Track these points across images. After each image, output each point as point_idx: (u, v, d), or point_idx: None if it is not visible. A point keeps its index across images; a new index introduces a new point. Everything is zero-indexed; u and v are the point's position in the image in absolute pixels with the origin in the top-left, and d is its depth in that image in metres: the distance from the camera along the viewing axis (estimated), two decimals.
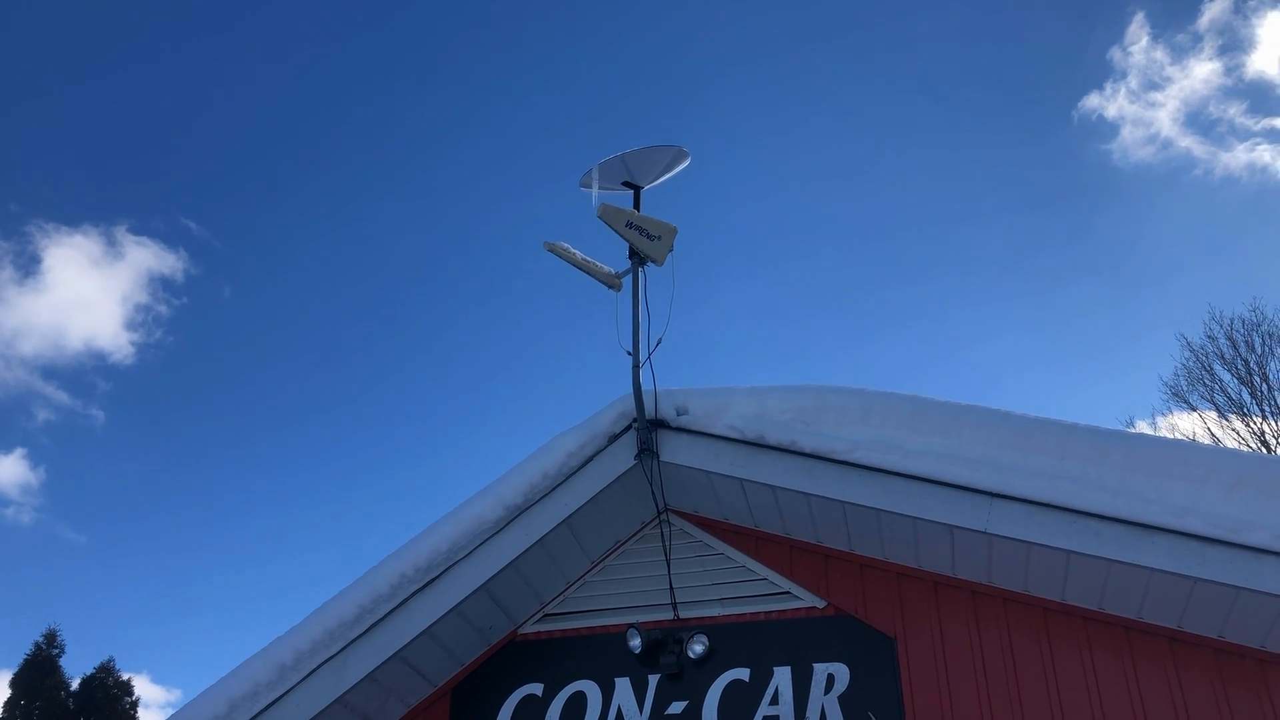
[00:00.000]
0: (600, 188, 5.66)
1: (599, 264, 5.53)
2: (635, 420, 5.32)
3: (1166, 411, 27.38)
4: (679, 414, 5.35)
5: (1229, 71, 37.22)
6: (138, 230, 44.83)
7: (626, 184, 5.75)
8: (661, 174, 5.79)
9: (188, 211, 42.05)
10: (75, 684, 31.93)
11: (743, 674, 5.09)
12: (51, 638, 32.08)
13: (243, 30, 37.19)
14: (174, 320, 43.26)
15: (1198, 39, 37.35)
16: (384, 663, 5.05)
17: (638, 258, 5.49)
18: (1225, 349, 25.65)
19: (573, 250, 5.50)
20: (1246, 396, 25.13)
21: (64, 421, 43.43)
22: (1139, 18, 37.20)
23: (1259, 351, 25.23)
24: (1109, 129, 38.36)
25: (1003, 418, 4.92)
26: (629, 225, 5.45)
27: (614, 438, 5.37)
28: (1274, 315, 25.50)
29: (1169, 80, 37.88)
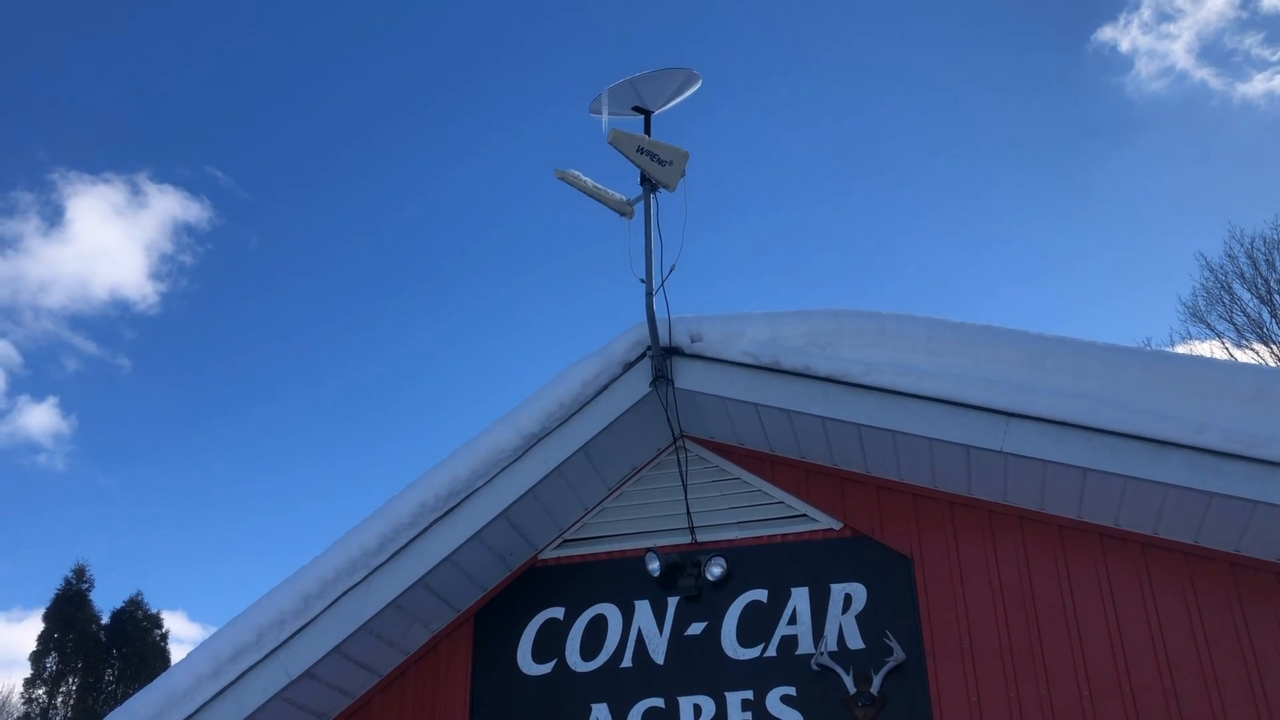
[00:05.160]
0: (610, 113, 5.58)
1: (610, 191, 5.48)
2: (649, 348, 5.32)
3: (1185, 335, 27.19)
4: (693, 341, 5.34)
5: (1245, 3, 36.38)
6: (160, 178, 44.86)
7: (637, 109, 5.67)
8: (672, 98, 5.69)
9: (214, 160, 42.01)
10: (106, 618, 32.58)
11: (761, 595, 5.16)
12: (80, 573, 32.70)
13: None
14: (198, 269, 43.48)
15: None
16: (407, 589, 5.13)
17: (649, 184, 5.43)
18: (1245, 268, 25.39)
19: (583, 178, 5.45)
20: (1266, 316, 24.93)
21: (92, 370, 43.99)
22: None
23: None
24: (1123, 62, 37.76)
25: (1019, 337, 4.90)
26: (640, 151, 5.38)
27: (629, 365, 5.38)
28: None
29: (1182, 12, 37.13)
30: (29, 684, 31.73)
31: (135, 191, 46.09)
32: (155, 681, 5.03)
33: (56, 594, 32.32)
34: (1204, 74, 37.78)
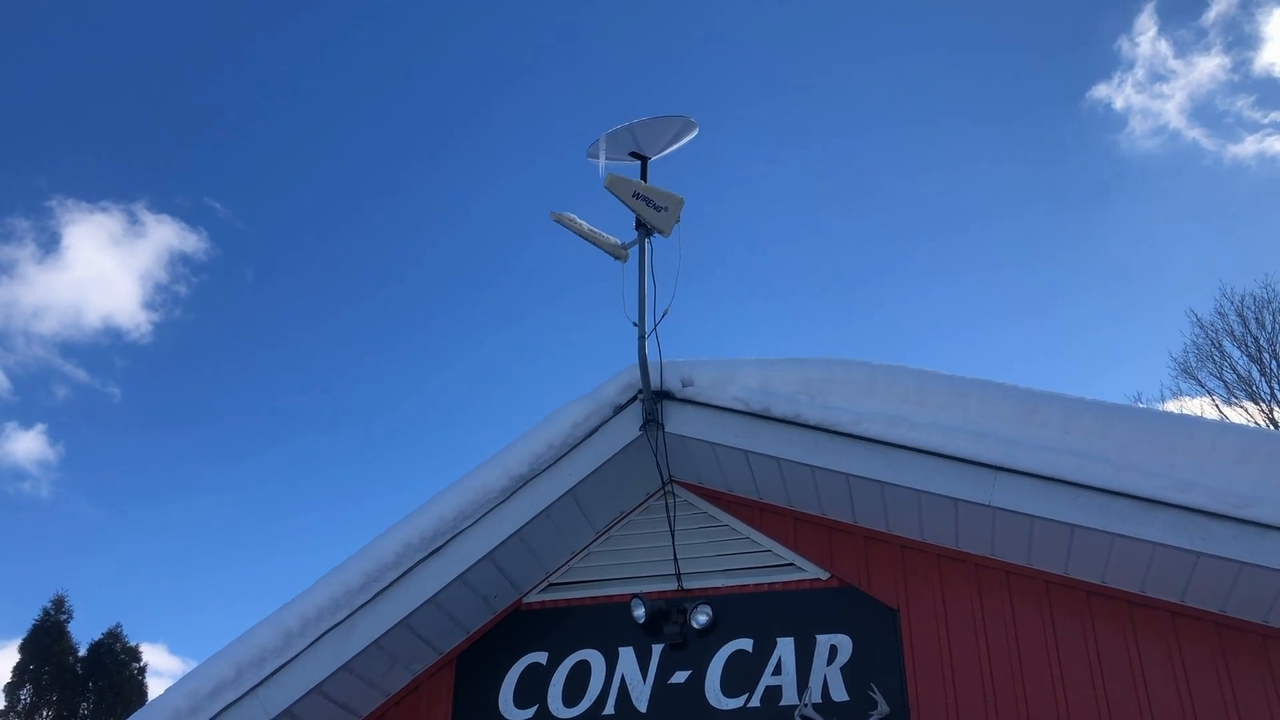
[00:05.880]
0: (607, 158, 5.63)
1: (605, 235, 5.51)
2: (640, 391, 5.33)
3: (1176, 391, 27.29)
4: (684, 385, 5.35)
5: (1236, 67, 36.99)
6: (158, 208, 44.95)
7: (634, 154, 5.72)
8: (669, 145, 5.75)
9: (213, 192, 42.15)
10: (83, 650, 32.18)
11: (746, 644, 5.12)
12: (60, 604, 32.32)
13: (268, 16, 37.20)
14: (192, 300, 43.43)
15: (1202, 34, 37.13)
16: (389, 630, 5.09)
17: (644, 229, 5.47)
18: (1235, 326, 25.56)
19: (579, 221, 5.48)
20: (1256, 374, 25.06)
21: (82, 398, 43.70)
22: (1150, 7, 37.03)
23: (1269, 329, 25.13)
24: (1117, 119, 38.21)
25: (1008, 391, 4.92)
26: (636, 196, 5.43)
27: (619, 409, 5.38)
28: None
29: (1174, 73, 37.72)
30: (2, 716, 31.27)
31: (133, 221, 46.15)
32: (132, 717, 4.96)
33: (34, 624, 31.95)
34: (1196, 134, 38.29)
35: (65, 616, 32.37)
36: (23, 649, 31.88)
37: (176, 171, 42.27)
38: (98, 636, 32.49)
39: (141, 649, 32.95)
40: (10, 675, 31.73)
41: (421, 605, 5.13)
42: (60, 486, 44.41)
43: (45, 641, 31.67)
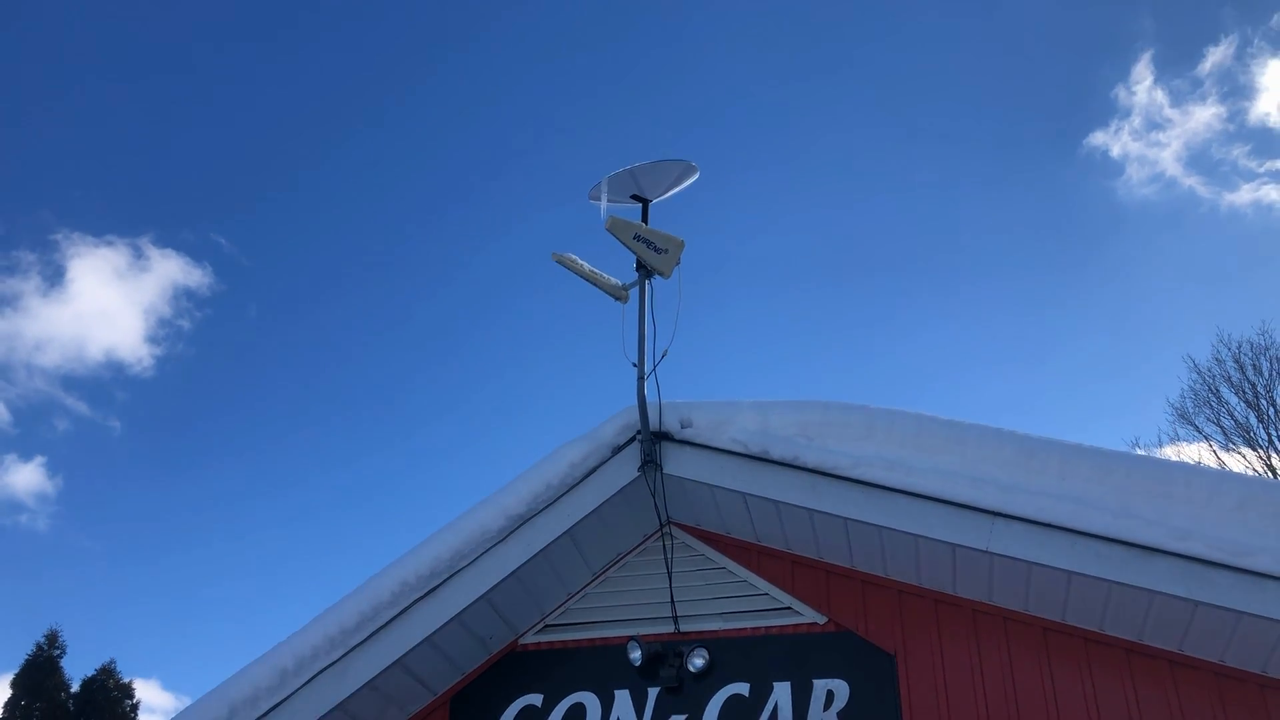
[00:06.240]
0: (609, 200, 5.68)
1: (606, 276, 5.55)
2: (639, 432, 5.34)
3: (1173, 436, 27.24)
4: (683, 426, 5.36)
5: (1232, 116, 37.35)
6: (163, 242, 45.16)
7: (635, 197, 5.77)
8: (670, 188, 5.81)
9: (218, 227, 42.38)
10: (76, 686, 31.93)
11: (742, 689, 5.09)
12: (53, 638, 32.09)
13: (274, 53, 37.64)
14: (195, 334, 43.51)
15: (1198, 84, 37.53)
16: (384, 670, 5.06)
17: (645, 270, 5.51)
18: (1232, 372, 25.60)
19: (580, 262, 5.52)
20: (1253, 420, 25.05)
21: (82, 431, 43.66)
22: (1146, 57, 37.46)
23: (1267, 376, 25.15)
24: (1114, 166, 38.50)
25: (1006, 437, 4.93)
26: (636, 238, 5.47)
27: (617, 449, 5.39)
28: None
29: (1170, 122, 38.07)
30: None
31: (138, 255, 46.33)
32: None
33: (27, 659, 31.71)
34: (1192, 182, 38.58)
35: (58, 651, 32.13)
36: (14, 684, 31.61)
37: (182, 206, 42.52)
38: (91, 672, 32.23)
39: (135, 685, 32.65)
40: (1, 711, 31.44)
41: (417, 645, 5.11)
42: (58, 519, 44.27)
43: (37, 677, 31.41)
